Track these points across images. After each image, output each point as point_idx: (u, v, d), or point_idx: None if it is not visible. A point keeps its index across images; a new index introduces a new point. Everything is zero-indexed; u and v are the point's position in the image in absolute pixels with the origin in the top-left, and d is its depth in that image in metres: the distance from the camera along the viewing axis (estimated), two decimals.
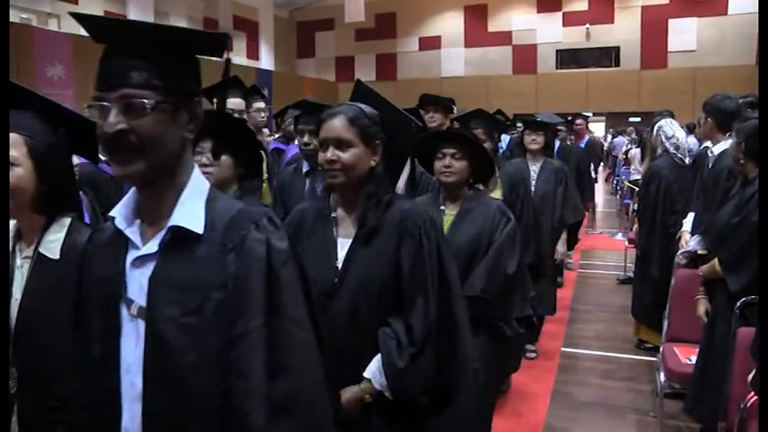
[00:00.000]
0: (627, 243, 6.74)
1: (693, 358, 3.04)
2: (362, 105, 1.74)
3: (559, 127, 6.70)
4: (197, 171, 1.11)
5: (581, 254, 7.91)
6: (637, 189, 6.38)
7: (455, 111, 4.59)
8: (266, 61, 17.79)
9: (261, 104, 4.18)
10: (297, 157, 3.37)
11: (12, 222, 1.49)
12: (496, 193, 3.45)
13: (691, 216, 3.81)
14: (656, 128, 4.49)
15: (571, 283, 6.63)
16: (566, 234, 4.47)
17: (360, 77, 2.13)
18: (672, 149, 4.34)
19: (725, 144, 3.53)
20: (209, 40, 1.08)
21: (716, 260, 2.82)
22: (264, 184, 3.27)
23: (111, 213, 1.11)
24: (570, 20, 17.57)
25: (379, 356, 1.67)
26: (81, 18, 1.04)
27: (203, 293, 1.02)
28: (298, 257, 1.12)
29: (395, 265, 1.67)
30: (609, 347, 4.72)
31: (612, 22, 17.16)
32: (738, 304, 2.62)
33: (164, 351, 1.02)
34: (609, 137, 17.44)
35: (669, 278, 3.65)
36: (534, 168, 4.38)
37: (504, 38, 18.22)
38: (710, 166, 3.71)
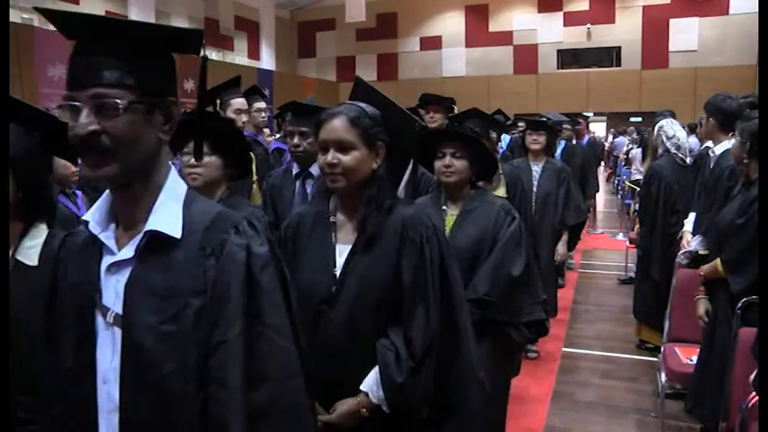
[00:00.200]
0: (628, 243, 6.74)
1: (694, 358, 3.03)
2: (364, 105, 1.65)
3: (565, 126, 6.70)
4: (174, 173, 1.08)
5: (582, 254, 7.91)
6: (638, 189, 6.37)
7: (456, 111, 4.58)
8: (267, 61, 17.78)
9: (261, 104, 4.19)
10: None
11: None
12: (500, 191, 3.40)
13: (692, 216, 3.81)
14: (657, 128, 4.48)
15: (572, 283, 6.62)
16: (566, 235, 4.46)
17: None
18: (673, 149, 4.34)
19: (726, 144, 3.53)
20: (183, 36, 1.04)
21: (718, 260, 2.80)
22: (254, 186, 3.23)
23: (85, 217, 1.07)
24: (571, 20, 17.51)
25: (376, 369, 1.59)
26: (45, 12, 1.00)
27: (181, 300, 1.00)
28: (279, 263, 1.08)
29: (395, 273, 1.59)
30: (610, 348, 4.72)
31: (613, 22, 17.09)
32: (739, 305, 2.61)
33: (141, 360, 0.99)
34: (610, 137, 17.43)
35: (670, 278, 3.65)
36: (536, 169, 4.39)
37: (505, 38, 18.17)
38: (712, 166, 3.71)
